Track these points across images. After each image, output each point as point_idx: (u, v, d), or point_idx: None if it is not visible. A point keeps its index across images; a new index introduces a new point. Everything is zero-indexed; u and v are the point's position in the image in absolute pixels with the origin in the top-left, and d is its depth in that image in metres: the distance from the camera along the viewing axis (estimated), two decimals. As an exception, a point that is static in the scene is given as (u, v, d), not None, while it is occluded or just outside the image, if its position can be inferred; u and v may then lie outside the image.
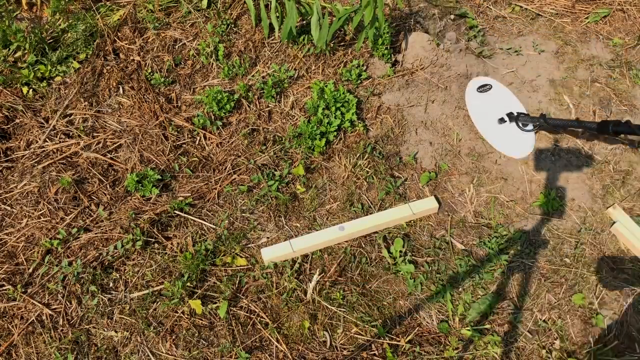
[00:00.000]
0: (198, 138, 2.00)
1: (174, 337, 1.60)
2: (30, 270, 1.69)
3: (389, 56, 2.21)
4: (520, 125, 1.88)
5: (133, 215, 1.77)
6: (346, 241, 1.81)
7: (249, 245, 1.79)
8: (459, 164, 2.01)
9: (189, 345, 1.59)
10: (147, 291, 1.66)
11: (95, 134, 1.98)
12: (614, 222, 1.87)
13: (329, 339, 1.63)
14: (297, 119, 2.06)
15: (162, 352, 1.58)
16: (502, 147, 1.85)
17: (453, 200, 1.93)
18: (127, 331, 1.60)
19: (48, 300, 1.64)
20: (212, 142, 2.00)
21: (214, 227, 1.80)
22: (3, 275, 1.66)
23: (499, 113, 1.90)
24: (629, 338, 1.69)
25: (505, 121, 1.88)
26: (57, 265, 1.69)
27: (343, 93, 2.03)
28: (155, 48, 2.19)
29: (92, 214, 1.80)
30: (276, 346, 1.60)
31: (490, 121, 1.89)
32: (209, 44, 2.18)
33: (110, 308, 1.63)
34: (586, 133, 1.86)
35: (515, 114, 1.89)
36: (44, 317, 1.61)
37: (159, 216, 1.79)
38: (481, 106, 1.91)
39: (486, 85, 1.95)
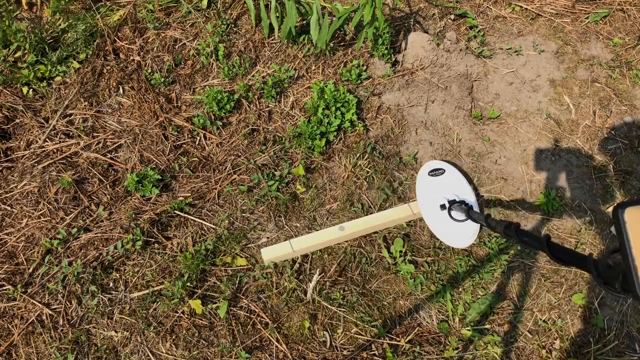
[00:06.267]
0: (198, 138, 2.00)
1: (174, 337, 1.60)
2: (30, 270, 1.69)
3: (389, 56, 2.21)
4: (452, 214, 1.69)
5: (133, 215, 1.77)
6: (346, 241, 1.81)
7: (249, 245, 1.79)
8: (459, 164, 2.01)
9: (189, 345, 1.59)
10: (147, 291, 1.66)
11: (95, 134, 1.98)
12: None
13: (329, 339, 1.63)
14: (297, 119, 2.06)
15: (162, 352, 1.58)
16: (441, 235, 1.74)
17: (453, 200, 1.93)
18: (127, 331, 1.60)
19: (48, 300, 1.64)
20: (212, 142, 1.99)
21: (214, 227, 1.80)
22: (3, 275, 1.66)
23: (444, 200, 1.73)
24: (629, 338, 1.69)
25: (446, 208, 1.72)
26: (57, 265, 1.69)
27: (343, 93, 2.03)
28: (155, 48, 2.19)
29: (92, 214, 1.80)
30: (276, 346, 1.60)
31: (434, 207, 1.75)
32: (209, 44, 2.18)
33: (110, 308, 1.64)
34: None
35: (450, 203, 1.71)
36: (44, 317, 1.61)
37: (159, 216, 1.79)
38: (430, 191, 1.78)
39: (439, 169, 1.81)
